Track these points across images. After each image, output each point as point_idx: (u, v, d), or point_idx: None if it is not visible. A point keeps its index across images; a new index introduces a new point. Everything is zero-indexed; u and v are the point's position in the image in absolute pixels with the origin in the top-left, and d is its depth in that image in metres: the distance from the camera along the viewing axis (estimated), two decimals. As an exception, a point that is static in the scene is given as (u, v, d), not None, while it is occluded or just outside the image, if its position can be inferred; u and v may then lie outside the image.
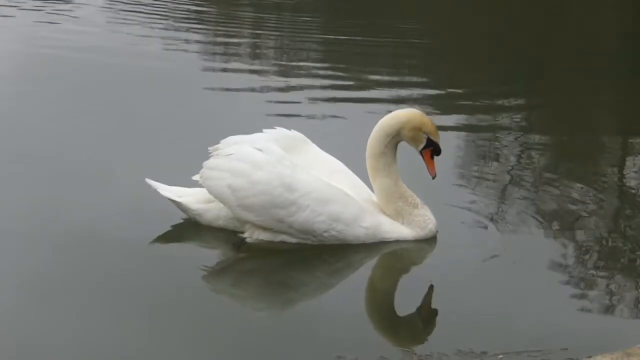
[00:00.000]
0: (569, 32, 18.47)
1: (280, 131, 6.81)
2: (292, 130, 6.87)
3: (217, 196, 6.51)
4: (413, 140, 6.54)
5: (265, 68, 12.47)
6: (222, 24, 15.86)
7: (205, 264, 6.22)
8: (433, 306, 5.89)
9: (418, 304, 5.88)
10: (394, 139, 6.54)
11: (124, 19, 15.57)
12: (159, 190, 6.68)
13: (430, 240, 6.61)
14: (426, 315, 5.80)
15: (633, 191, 8.38)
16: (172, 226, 6.71)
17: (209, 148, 6.68)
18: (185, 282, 5.96)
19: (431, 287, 6.09)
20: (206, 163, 6.59)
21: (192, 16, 16.45)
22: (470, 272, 6.29)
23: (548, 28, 18.86)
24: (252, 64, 12.78)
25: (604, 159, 9.51)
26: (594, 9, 21.45)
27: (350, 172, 6.77)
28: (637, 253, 6.85)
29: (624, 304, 5.99)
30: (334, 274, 6.42)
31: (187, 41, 14.06)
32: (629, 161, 9.40)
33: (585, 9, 21.40)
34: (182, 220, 6.75)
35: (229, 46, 14.06)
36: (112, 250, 6.26)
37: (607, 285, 6.27)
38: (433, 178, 6.66)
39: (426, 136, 6.51)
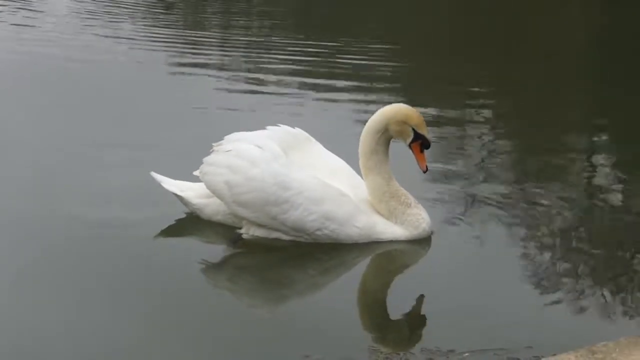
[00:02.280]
0: (534, 29, 18.30)
1: (283, 129, 6.83)
2: (296, 128, 6.89)
3: (215, 191, 6.57)
4: (401, 135, 6.50)
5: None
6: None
7: (203, 259, 6.26)
8: (406, 306, 5.81)
9: (394, 304, 5.89)
10: (384, 135, 6.51)
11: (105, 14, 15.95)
12: (162, 184, 6.78)
13: (424, 241, 6.55)
14: (397, 315, 5.76)
15: (600, 188, 8.25)
16: (175, 220, 6.79)
17: (213, 144, 6.74)
18: (182, 276, 6.03)
19: (407, 288, 6.08)
20: (206, 159, 6.66)
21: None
22: (441, 272, 6.27)
23: (514, 25, 18.71)
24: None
25: (572, 154, 9.43)
26: (562, 2, 21.16)
27: (352, 172, 6.74)
28: (602, 252, 6.76)
29: (588, 303, 5.92)
30: (326, 272, 6.43)
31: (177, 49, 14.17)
32: (596, 157, 9.28)
33: (552, 3, 21.15)
34: (184, 215, 6.82)
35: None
36: (112, 243, 6.34)
37: (572, 285, 6.21)
38: (424, 172, 6.65)
39: (412, 129, 6.48)
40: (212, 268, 6.24)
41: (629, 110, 11.29)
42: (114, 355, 5.04)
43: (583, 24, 19.77)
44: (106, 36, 14.53)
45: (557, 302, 5.89)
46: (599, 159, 9.29)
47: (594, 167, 8.94)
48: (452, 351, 5.08)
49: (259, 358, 5.10)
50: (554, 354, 4.73)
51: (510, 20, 19.20)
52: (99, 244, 6.31)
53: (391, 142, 6.60)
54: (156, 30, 15.40)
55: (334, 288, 6.15)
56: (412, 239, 6.52)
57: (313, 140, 6.88)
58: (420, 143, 6.51)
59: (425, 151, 6.57)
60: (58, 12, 16.63)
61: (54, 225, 6.57)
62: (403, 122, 6.46)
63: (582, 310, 5.82)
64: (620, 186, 8.37)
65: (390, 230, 6.51)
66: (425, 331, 5.45)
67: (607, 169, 8.84)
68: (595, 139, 10.22)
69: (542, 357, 4.78)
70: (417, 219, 6.51)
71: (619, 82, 13.13)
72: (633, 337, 4.75)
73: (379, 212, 6.56)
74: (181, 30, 16.20)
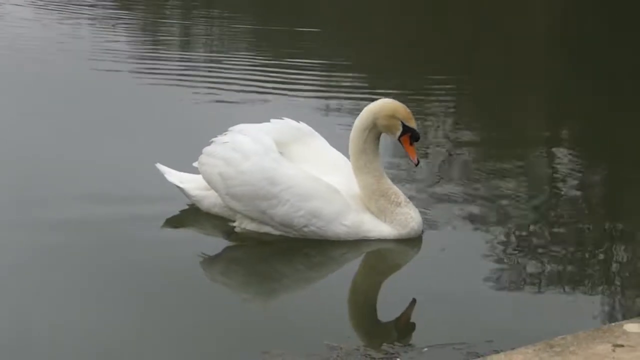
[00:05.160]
0: (498, 22, 18.16)
1: (286, 122, 6.84)
2: (301, 122, 6.88)
3: (210, 183, 6.61)
4: (389, 129, 6.40)
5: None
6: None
7: (196, 251, 6.29)
8: (383, 303, 5.80)
9: (372, 301, 5.89)
10: (372, 132, 6.43)
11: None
12: (165, 175, 6.82)
13: (413, 240, 6.46)
14: (369, 311, 5.75)
15: (561, 182, 8.12)
16: (179, 211, 6.84)
17: (218, 136, 6.75)
18: (175, 268, 6.06)
19: (387, 286, 6.08)
20: (205, 149, 6.69)
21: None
22: (426, 271, 6.22)
23: (477, 21, 18.50)
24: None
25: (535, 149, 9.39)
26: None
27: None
28: (562, 247, 6.65)
29: (546, 297, 5.86)
30: (313, 268, 6.40)
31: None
32: (556, 150, 9.21)
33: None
34: (187, 206, 6.86)
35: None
36: (113, 235, 6.40)
37: (531, 279, 6.14)
38: (416, 165, 6.58)
39: (401, 122, 6.38)
40: (204, 261, 6.24)
41: (593, 98, 11.31)
42: (106, 345, 5.05)
43: (545, 10, 19.72)
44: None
45: (515, 296, 5.87)
46: (563, 149, 9.28)
47: (561, 159, 8.86)
48: (410, 345, 5.05)
49: (249, 349, 5.05)
50: (513, 348, 4.60)
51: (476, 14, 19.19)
52: (98, 236, 6.36)
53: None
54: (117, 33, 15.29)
55: (320, 283, 6.16)
56: (401, 238, 6.44)
57: (316, 134, 6.86)
58: (409, 135, 6.41)
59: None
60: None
61: (54, 218, 6.59)
62: (391, 115, 6.37)
63: (540, 304, 5.76)
64: (584, 178, 8.30)
65: (378, 228, 6.44)
66: (389, 326, 5.43)
67: (571, 161, 8.78)
68: (557, 127, 10.30)
69: (501, 351, 4.66)
70: (406, 218, 6.41)
71: (584, 70, 13.16)
72: (591, 331, 4.63)
73: (370, 210, 6.48)
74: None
